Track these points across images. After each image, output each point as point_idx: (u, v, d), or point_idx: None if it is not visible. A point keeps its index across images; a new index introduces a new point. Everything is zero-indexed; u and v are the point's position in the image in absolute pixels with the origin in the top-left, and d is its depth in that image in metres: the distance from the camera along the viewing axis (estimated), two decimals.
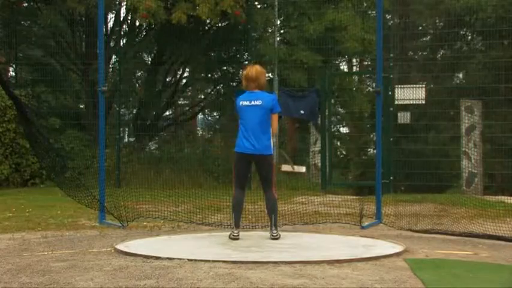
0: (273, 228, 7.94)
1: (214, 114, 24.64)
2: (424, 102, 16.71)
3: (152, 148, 21.43)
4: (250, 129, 7.86)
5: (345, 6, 17.81)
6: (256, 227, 9.23)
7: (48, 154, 10.36)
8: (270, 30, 19.15)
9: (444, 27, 19.80)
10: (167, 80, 21.70)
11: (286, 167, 9.23)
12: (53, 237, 8.60)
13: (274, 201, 7.98)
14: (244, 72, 8.19)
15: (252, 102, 7.93)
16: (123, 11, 19.39)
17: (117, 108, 18.36)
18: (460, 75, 21.03)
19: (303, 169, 9.21)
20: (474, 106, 15.88)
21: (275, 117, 7.96)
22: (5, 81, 11.15)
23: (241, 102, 8.01)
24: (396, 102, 16.43)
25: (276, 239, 7.86)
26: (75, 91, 20.57)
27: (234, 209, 8.03)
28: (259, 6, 19.16)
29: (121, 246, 7.29)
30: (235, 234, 7.89)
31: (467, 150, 15.81)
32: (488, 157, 16.43)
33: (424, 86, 17.19)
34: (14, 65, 19.91)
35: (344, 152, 22.36)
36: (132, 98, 21.47)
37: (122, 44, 19.79)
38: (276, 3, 17.74)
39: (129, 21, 20.20)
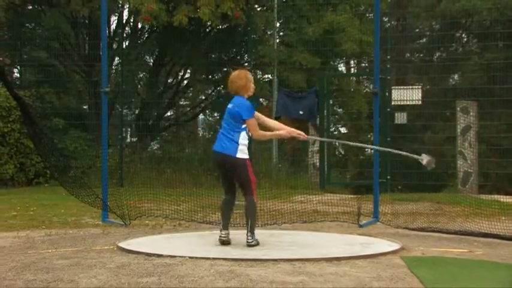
0: (248, 235, 7.41)
1: (215, 114, 24.72)
2: (420, 103, 16.76)
3: (154, 148, 21.54)
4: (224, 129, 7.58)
5: (343, 8, 17.90)
6: (256, 225, 9.31)
7: (52, 154, 10.40)
8: (269, 33, 19.25)
9: (440, 30, 19.83)
10: (169, 81, 21.79)
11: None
12: (56, 235, 8.67)
13: (251, 206, 7.47)
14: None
15: (229, 105, 7.64)
16: (125, 13, 19.47)
17: (120, 109, 18.49)
18: (456, 77, 21.00)
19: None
20: (469, 107, 15.94)
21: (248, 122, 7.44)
22: (9, 82, 11.21)
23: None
24: (393, 103, 16.51)
25: (251, 246, 7.33)
26: (78, 92, 20.67)
27: (221, 213, 7.70)
28: (259, 9, 19.24)
29: (123, 244, 7.33)
30: (222, 236, 7.50)
31: (462, 150, 15.87)
32: (483, 157, 16.49)
33: (420, 87, 17.26)
34: (18, 67, 20.03)
35: (342, 152, 22.40)
36: (134, 98, 21.55)
37: (124, 45, 19.81)
38: (276, 5, 17.88)
39: (131, 24, 20.28)
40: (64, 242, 7.95)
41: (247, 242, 7.34)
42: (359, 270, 5.97)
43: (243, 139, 7.38)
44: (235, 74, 7.64)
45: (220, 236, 7.47)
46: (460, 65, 19.34)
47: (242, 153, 7.35)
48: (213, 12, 16.12)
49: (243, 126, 7.38)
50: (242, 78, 7.52)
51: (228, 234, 7.51)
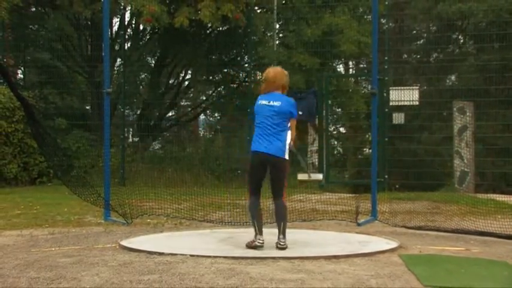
0: (281, 237, 7.12)
1: (216, 115, 24.87)
2: (417, 103, 16.86)
3: (155, 148, 21.62)
4: (268, 129, 7.19)
5: (341, 10, 18.00)
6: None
7: (55, 153, 10.47)
8: (269, 34, 19.37)
9: (437, 31, 19.94)
10: (170, 82, 21.90)
11: (302, 176, 8.44)
12: (59, 233, 8.71)
13: (284, 209, 7.28)
14: (264, 74, 7.43)
15: (270, 102, 7.23)
16: (127, 15, 19.67)
17: (122, 109, 18.66)
18: (453, 78, 21.07)
19: (320, 176, 8.48)
20: (466, 107, 16.03)
21: (293, 123, 7.26)
22: (13, 83, 11.24)
23: (259, 102, 7.29)
24: (391, 104, 16.65)
25: (283, 249, 7.03)
26: (81, 93, 20.84)
27: (253, 216, 7.23)
28: (258, 11, 19.35)
29: (125, 243, 7.39)
30: (260, 242, 7.13)
31: (459, 149, 15.97)
32: (480, 156, 16.53)
33: (417, 87, 17.36)
34: (22, 68, 20.23)
35: (341, 151, 22.48)
36: (136, 99, 21.66)
37: (126, 47, 20.01)
38: (275, 7, 17.99)
39: (133, 25, 20.43)
40: (67, 240, 7.99)
41: (279, 244, 7.08)
42: (357, 268, 6.02)
43: (289, 138, 7.25)
44: (271, 71, 7.40)
45: (258, 241, 7.10)
46: (457, 66, 19.44)
47: (287, 153, 7.25)
48: (213, 14, 16.25)
49: (289, 125, 7.23)
50: (285, 75, 7.36)
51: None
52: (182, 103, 24.30)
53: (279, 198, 7.23)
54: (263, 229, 7.20)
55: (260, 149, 7.14)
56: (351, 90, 19.66)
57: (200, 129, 24.83)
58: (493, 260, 6.78)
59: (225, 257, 6.47)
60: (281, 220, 7.15)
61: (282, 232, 7.10)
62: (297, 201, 11.26)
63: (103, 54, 12.00)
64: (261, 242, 7.06)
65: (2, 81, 16.23)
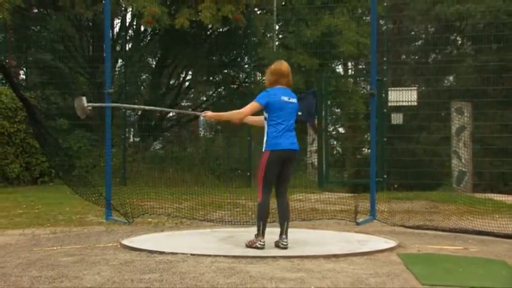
0: (284, 237, 7.14)
1: None
2: (416, 104, 16.95)
3: (156, 148, 21.66)
4: (291, 126, 7.19)
5: (340, 11, 18.08)
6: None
7: (56, 153, 10.54)
8: (269, 35, 19.48)
9: (435, 32, 19.98)
10: (171, 82, 22.02)
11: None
12: (61, 233, 8.74)
13: (288, 207, 7.33)
14: (273, 67, 7.38)
15: (291, 99, 7.26)
16: (128, 16, 19.80)
17: (123, 110, 18.78)
18: (451, 78, 21.09)
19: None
20: (464, 108, 16.07)
21: None
22: (15, 84, 11.32)
23: (281, 97, 7.20)
24: (390, 104, 16.71)
25: (285, 248, 7.05)
26: (82, 93, 20.87)
27: (263, 217, 7.13)
28: (258, 12, 19.42)
29: (126, 242, 7.41)
30: (261, 244, 7.09)
31: (457, 149, 16.00)
32: (478, 156, 16.55)
33: (416, 88, 17.46)
34: (24, 68, 20.30)
35: (340, 151, 22.53)
36: (137, 99, 21.69)
37: (127, 48, 20.10)
38: (275, 9, 18.08)
39: (134, 27, 20.55)
40: (69, 239, 8.04)
41: (282, 244, 7.09)
42: (356, 267, 6.05)
43: None
44: (285, 65, 7.40)
45: (260, 243, 7.07)
46: (455, 66, 19.47)
47: None
48: (214, 15, 16.33)
49: None
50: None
51: None
52: (183, 104, 24.35)
53: (285, 195, 7.28)
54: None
55: (288, 146, 7.13)
56: (350, 91, 19.67)
57: (200, 129, 24.91)
58: (491, 259, 6.80)
59: (225, 256, 6.48)
60: (286, 219, 7.16)
61: (285, 232, 7.11)
62: (296, 200, 11.27)
63: (104, 55, 12.05)
64: (262, 244, 7.02)
65: (4, 81, 16.35)
